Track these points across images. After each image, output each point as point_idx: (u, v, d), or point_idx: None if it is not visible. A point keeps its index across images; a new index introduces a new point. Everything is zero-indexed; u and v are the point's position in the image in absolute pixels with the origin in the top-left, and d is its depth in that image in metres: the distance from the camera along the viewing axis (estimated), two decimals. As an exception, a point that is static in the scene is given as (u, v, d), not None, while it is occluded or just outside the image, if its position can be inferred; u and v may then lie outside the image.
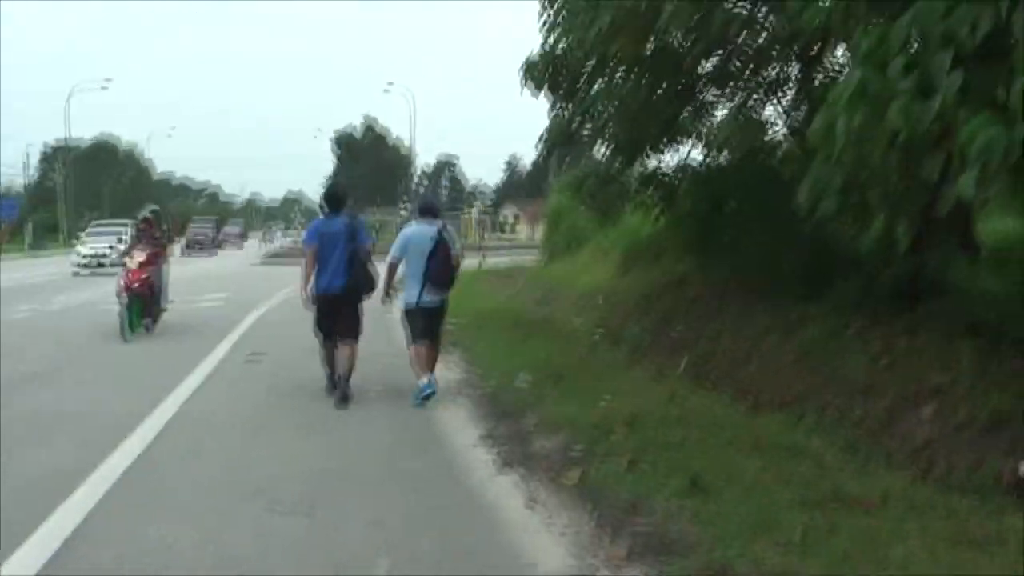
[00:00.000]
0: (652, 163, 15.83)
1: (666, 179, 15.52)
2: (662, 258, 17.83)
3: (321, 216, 9.63)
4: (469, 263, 32.24)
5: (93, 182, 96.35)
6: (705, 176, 15.14)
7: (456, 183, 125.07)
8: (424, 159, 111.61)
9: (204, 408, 8.77)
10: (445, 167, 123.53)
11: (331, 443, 7.31)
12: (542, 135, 15.07)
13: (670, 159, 15.74)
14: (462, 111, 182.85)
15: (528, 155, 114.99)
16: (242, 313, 16.96)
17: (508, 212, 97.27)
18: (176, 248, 35.35)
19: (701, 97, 14.65)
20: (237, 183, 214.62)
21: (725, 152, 15.11)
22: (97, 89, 77.57)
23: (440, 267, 8.92)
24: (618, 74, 13.92)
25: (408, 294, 9.03)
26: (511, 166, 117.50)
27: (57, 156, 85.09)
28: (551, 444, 7.01)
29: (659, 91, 13.62)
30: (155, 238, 15.50)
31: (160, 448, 7.16)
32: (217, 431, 7.79)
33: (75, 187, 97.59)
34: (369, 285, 9.23)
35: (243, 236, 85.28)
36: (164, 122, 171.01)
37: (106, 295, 16.65)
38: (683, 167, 15.56)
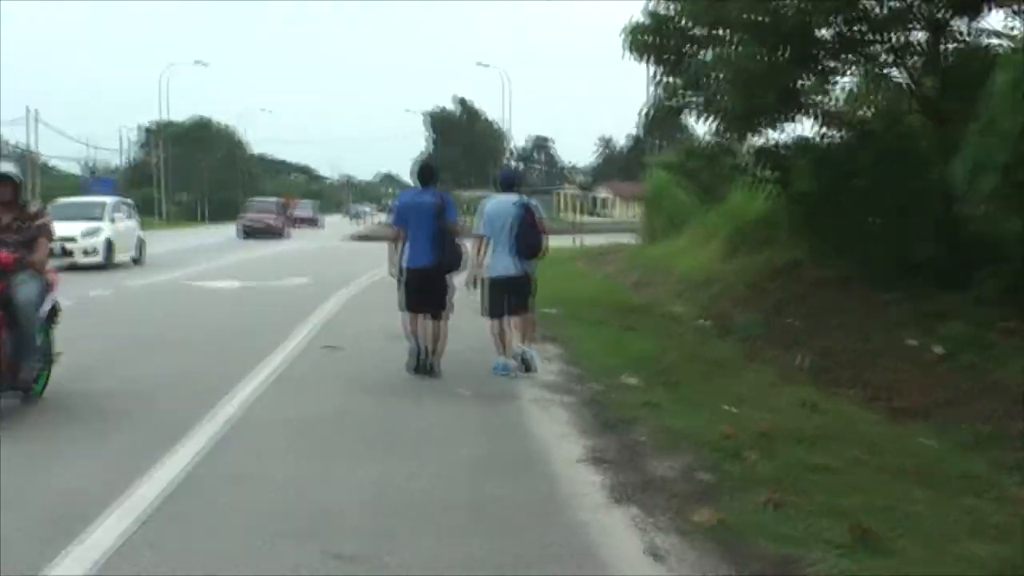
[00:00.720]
0: (762, 139, 14.53)
1: (783, 154, 14.18)
2: (772, 242, 16.53)
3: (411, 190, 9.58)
4: (564, 243, 31.55)
5: (189, 162, 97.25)
6: (825, 151, 13.77)
7: (551, 163, 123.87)
8: (517, 141, 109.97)
9: (266, 415, 7.59)
10: (539, 147, 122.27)
11: (409, 458, 6.14)
12: (643, 108, 13.87)
13: (785, 134, 14.43)
14: (555, 92, 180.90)
15: (622, 136, 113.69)
16: (329, 291, 16.24)
17: (602, 192, 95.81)
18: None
19: (821, 65, 13.30)
20: (329, 163, 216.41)
21: (842, 132, 13.73)
22: (191, 69, 77.90)
23: (529, 236, 8.89)
24: (731, 40, 12.70)
25: (495, 265, 9.00)
26: (605, 146, 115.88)
27: (154, 137, 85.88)
28: (670, 467, 5.80)
29: (778, 57, 12.35)
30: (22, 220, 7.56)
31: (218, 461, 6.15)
32: (276, 444, 6.58)
33: (172, 167, 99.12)
34: (457, 262, 9.07)
35: (315, 221, 71.14)
36: (257, 103, 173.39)
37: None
38: (801, 143, 14.20)
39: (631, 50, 13.76)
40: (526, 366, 8.98)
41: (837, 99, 13.46)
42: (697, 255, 19.84)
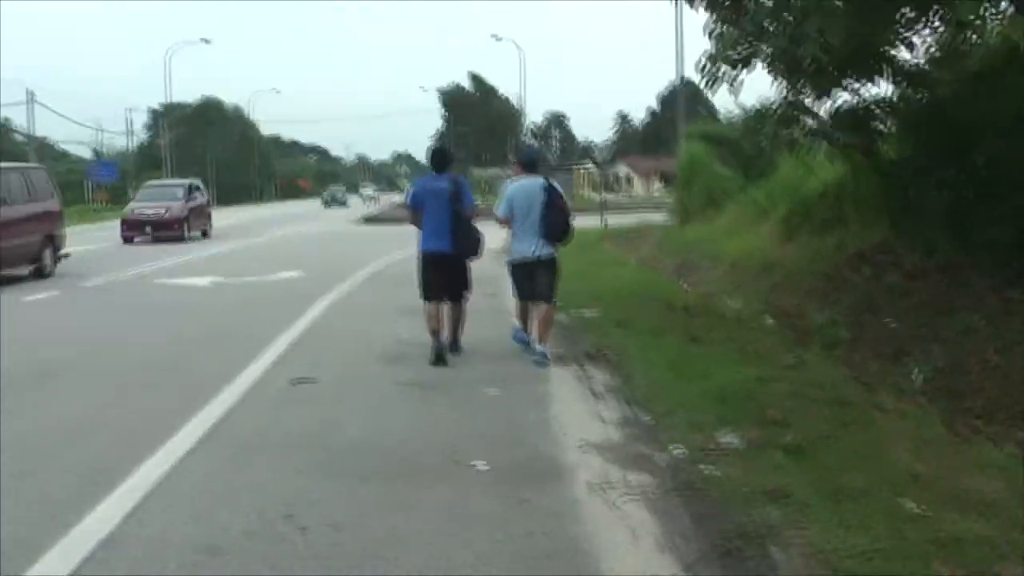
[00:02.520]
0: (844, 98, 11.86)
1: (874, 114, 11.52)
2: (844, 221, 13.85)
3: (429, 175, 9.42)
4: (589, 224, 29.03)
5: (199, 144, 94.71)
6: (927, 110, 11.10)
7: (567, 139, 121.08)
8: (533, 118, 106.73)
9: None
10: (555, 123, 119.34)
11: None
12: (700, 61, 11.17)
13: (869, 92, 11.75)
14: (571, 66, 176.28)
15: (639, 112, 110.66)
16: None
17: (621, 169, 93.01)
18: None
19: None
20: (343, 144, 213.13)
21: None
22: (198, 49, 75.48)
23: (556, 218, 8.75)
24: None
25: (519, 248, 8.90)
26: (621, 122, 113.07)
27: (161, 119, 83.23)
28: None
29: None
30: None
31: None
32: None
33: (181, 150, 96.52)
34: (474, 247, 9.05)
35: (344, 202, 78.27)
36: (267, 82, 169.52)
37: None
38: (892, 101, 11.51)
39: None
40: (540, 364, 8.53)
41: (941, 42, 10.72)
42: (746, 237, 17.15)
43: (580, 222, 11.65)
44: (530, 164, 9.21)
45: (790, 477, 4.95)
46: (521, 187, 8.88)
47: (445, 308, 8.92)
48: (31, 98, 60.23)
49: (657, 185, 67.02)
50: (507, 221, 8.91)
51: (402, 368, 8.48)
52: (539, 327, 8.78)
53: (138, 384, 7.98)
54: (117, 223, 29.81)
